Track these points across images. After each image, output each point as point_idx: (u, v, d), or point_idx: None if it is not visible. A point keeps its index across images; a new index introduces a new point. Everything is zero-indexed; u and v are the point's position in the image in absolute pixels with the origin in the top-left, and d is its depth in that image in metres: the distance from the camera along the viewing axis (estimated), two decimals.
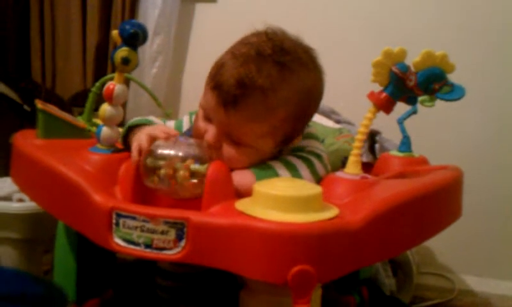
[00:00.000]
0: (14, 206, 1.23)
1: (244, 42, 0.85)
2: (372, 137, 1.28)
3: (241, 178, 0.77)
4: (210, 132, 0.83)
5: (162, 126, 0.89)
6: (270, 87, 0.80)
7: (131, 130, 0.91)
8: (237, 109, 0.80)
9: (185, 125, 0.99)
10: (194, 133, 0.88)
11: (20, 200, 1.24)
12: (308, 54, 0.86)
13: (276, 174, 0.79)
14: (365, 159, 1.17)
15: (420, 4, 1.65)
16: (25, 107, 1.70)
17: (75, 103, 1.77)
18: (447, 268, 1.66)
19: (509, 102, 1.58)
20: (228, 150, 0.83)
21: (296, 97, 0.83)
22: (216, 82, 0.81)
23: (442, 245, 1.64)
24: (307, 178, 0.80)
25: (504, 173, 1.59)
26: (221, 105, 0.80)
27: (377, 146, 1.24)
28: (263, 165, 0.82)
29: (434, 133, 1.58)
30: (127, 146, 0.90)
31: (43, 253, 1.31)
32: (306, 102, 0.86)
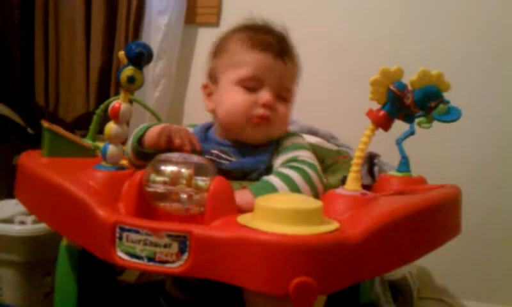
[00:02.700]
0: (16, 229, 1.23)
1: (241, 25, 1.02)
2: (371, 160, 1.29)
3: (241, 198, 0.78)
4: (265, 94, 0.92)
5: (185, 131, 0.90)
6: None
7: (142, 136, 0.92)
8: (291, 57, 0.97)
9: None
10: (236, 108, 0.93)
11: (22, 223, 1.24)
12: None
13: (274, 188, 0.80)
14: (364, 182, 1.18)
15: (418, 26, 1.67)
16: (29, 130, 1.72)
17: (78, 126, 1.79)
18: (447, 293, 1.65)
19: (507, 124, 1.59)
20: (282, 109, 0.95)
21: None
22: (263, 45, 0.94)
23: (442, 270, 1.64)
24: (303, 188, 0.82)
25: (506, 197, 1.59)
26: (278, 58, 0.94)
27: (376, 168, 1.26)
28: (259, 182, 0.84)
29: (433, 154, 1.59)
30: (139, 148, 0.91)
31: (43, 276, 1.31)
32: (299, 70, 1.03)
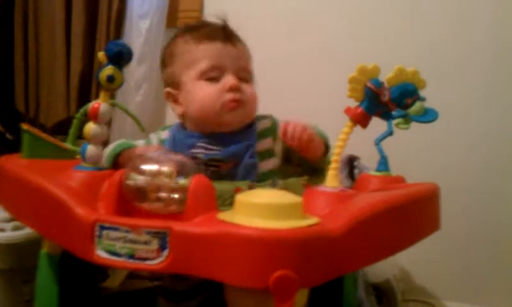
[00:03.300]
0: None
1: (181, 30, 1.05)
2: (351, 163, 1.30)
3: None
4: (229, 79, 0.95)
5: (154, 147, 0.97)
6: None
7: (119, 154, 0.94)
8: (237, 39, 1.01)
9: (154, 141, 1.04)
10: (206, 102, 0.95)
11: (1, 230, 1.22)
12: None
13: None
14: (344, 184, 1.18)
15: (416, 27, 1.68)
16: (7, 135, 1.70)
17: (58, 131, 1.78)
18: (432, 295, 1.66)
19: (497, 127, 1.60)
20: (247, 88, 0.97)
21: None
22: (209, 36, 0.98)
23: (426, 273, 1.65)
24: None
25: (491, 198, 1.60)
26: (228, 43, 0.98)
27: (356, 171, 1.27)
28: None
29: (421, 158, 1.61)
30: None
31: (23, 283, 1.29)
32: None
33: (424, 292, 1.67)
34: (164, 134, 1.03)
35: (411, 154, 1.51)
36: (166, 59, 1.04)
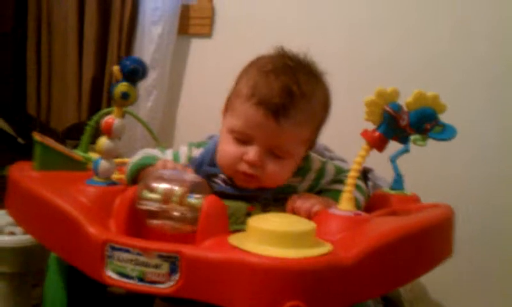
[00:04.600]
0: (5, 240, 1.21)
1: (262, 60, 0.91)
2: (364, 175, 1.29)
3: (327, 204, 0.84)
4: (252, 151, 0.86)
5: (170, 163, 0.89)
6: (311, 92, 0.87)
7: (141, 169, 0.92)
8: (288, 115, 0.84)
9: (182, 155, 0.99)
10: (223, 159, 0.90)
11: (11, 233, 1.23)
12: (315, 64, 0.93)
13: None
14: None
15: (418, 41, 1.66)
16: (19, 140, 1.71)
17: (69, 136, 1.78)
18: (440, 305, 1.65)
19: (500, 137, 1.59)
20: (271, 167, 0.87)
21: (324, 102, 0.92)
22: (259, 97, 0.84)
23: (434, 282, 1.63)
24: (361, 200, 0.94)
25: (497, 210, 1.59)
26: (271, 117, 0.84)
27: (370, 183, 1.26)
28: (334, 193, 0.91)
29: (426, 171, 1.59)
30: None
31: (31, 287, 1.29)
32: (328, 107, 0.94)
33: (432, 302, 1.66)
34: (196, 152, 0.99)
35: (415, 165, 1.49)
36: (237, 78, 0.95)
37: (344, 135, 1.27)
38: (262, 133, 0.85)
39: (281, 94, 0.84)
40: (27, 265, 1.24)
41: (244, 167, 0.87)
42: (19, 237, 1.21)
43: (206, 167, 0.95)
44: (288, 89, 0.84)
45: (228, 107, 0.93)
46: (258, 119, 0.84)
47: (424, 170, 1.55)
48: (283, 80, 0.85)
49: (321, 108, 0.92)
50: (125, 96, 0.83)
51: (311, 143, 0.95)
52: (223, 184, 0.94)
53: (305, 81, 0.86)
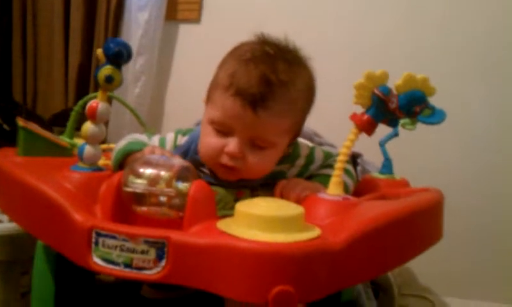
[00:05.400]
0: None
1: (242, 48, 0.88)
2: (354, 160, 1.29)
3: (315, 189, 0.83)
4: (232, 143, 0.84)
5: (158, 149, 0.88)
6: (290, 81, 0.84)
7: (128, 154, 0.90)
8: (266, 106, 0.82)
9: (169, 142, 0.97)
10: (204, 151, 0.88)
11: None
12: (300, 51, 0.90)
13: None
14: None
15: (410, 30, 1.68)
16: (5, 126, 1.68)
17: (56, 122, 1.76)
18: (429, 290, 1.67)
19: (492, 128, 1.61)
20: (252, 158, 0.85)
21: (306, 90, 0.89)
22: (236, 88, 0.82)
23: (423, 267, 1.65)
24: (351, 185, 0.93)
25: (486, 197, 1.61)
26: (248, 108, 0.81)
27: (359, 168, 1.26)
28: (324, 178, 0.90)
29: (417, 156, 1.60)
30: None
31: (20, 275, 1.27)
32: (312, 95, 0.92)
33: (421, 287, 1.68)
34: (182, 140, 0.97)
35: (409, 153, 1.49)
36: (218, 65, 0.92)
37: (334, 120, 1.27)
38: (241, 125, 0.83)
39: (258, 84, 0.81)
40: (15, 253, 1.22)
41: (225, 159, 0.85)
42: (6, 225, 1.20)
43: (193, 155, 0.93)
44: (266, 79, 0.82)
45: (208, 97, 0.91)
46: (236, 110, 0.82)
47: (416, 160, 1.56)
48: (261, 69, 0.82)
49: (303, 96, 0.89)
50: (109, 79, 0.81)
51: (296, 131, 0.92)
52: (208, 172, 0.92)
53: (285, 69, 0.84)
